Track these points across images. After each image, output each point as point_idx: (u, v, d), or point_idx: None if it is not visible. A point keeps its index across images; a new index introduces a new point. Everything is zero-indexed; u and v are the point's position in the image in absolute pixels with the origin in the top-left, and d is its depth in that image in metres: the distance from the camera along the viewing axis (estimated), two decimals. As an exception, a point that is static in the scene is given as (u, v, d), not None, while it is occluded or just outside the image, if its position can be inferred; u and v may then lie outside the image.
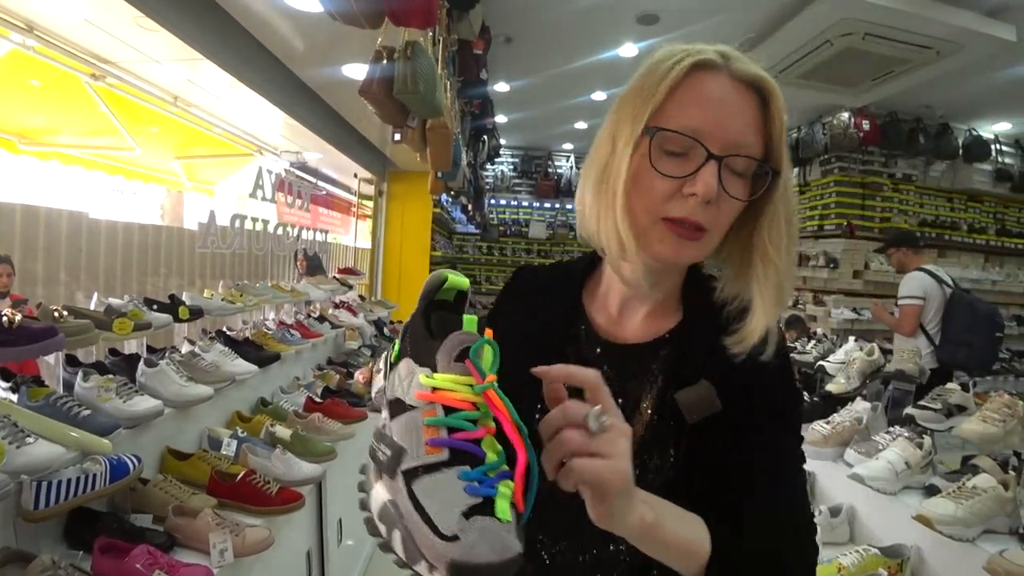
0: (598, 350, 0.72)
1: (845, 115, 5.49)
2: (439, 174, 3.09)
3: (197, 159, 4.39)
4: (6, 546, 1.17)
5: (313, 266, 3.98)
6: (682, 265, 0.70)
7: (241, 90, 2.91)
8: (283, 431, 2.04)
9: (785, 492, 0.66)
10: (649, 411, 0.68)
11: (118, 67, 2.79)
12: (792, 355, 2.84)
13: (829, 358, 2.81)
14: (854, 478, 1.84)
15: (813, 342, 3.13)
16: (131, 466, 1.36)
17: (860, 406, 2.20)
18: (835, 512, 1.89)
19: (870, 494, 1.81)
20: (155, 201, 4.43)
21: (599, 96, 5.73)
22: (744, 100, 0.62)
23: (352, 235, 6.48)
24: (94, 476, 1.26)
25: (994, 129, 5.80)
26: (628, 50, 4.50)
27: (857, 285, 5.32)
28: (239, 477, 1.64)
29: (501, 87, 5.55)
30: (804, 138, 6.17)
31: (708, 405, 0.64)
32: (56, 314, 1.57)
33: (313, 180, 5.34)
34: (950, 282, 3.46)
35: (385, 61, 1.75)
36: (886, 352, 2.85)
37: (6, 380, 1.60)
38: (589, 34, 4.31)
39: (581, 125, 7.10)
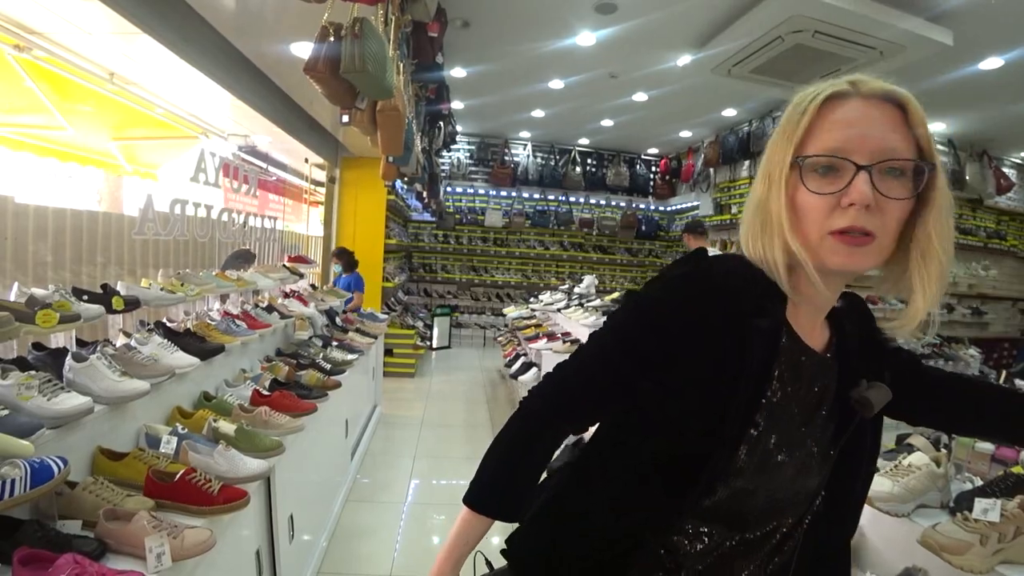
0: (803, 359, 0.78)
1: (794, 109, 5.64)
2: (390, 159, 3.01)
3: (137, 141, 4.14)
4: (-90, 559, 1.07)
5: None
6: (860, 272, 0.74)
7: (183, 68, 2.75)
8: (226, 426, 1.95)
9: None
10: (825, 412, 0.79)
11: (45, 38, 2.58)
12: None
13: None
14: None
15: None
16: (55, 469, 1.26)
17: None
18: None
19: (814, 476, 1.88)
20: (92, 185, 4.15)
21: (556, 84, 5.71)
22: (881, 112, 0.70)
23: (304, 222, 6.29)
24: (12, 481, 1.16)
25: (930, 129, 6.10)
26: (586, 39, 4.49)
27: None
28: (178, 476, 1.55)
29: (458, 72, 5.45)
30: (755, 131, 6.34)
31: (885, 398, 0.78)
32: (-31, 305, 1.45)
33: (262, 165, 5.13)
34: None
35: (332, 39, 1.67)
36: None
37: (-88, 378, 1.46)
38: (547, 21, 4.27)
39: (538, 113, 7.06)
